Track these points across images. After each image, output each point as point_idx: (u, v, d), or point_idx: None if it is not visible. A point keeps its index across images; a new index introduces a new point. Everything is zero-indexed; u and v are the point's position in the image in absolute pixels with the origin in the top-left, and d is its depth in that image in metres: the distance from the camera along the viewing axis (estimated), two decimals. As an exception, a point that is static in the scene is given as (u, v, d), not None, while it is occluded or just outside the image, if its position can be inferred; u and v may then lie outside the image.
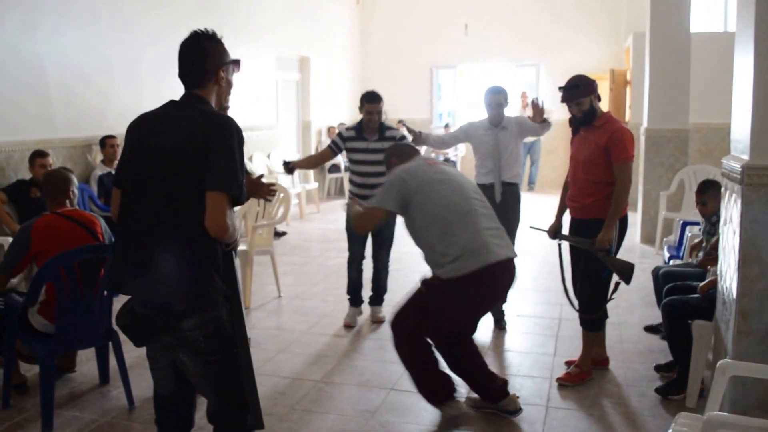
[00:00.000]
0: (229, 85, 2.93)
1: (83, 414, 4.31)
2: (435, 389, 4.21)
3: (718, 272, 4.15)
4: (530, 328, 6.00)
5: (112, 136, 7.54)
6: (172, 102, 2.82)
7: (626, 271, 4.62)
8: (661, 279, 5.14)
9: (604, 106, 13.11)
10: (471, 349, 4.34)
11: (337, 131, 12.25)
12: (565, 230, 4.98)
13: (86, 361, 5.04)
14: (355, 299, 6.17)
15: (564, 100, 4.71)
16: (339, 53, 15.24)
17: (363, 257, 6.14)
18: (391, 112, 16.70)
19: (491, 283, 3.99)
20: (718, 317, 4.17)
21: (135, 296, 2.78)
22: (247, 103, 11.31)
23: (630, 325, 5.91)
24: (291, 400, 4.54)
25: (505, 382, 4.35)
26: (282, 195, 7.14)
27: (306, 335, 5.81)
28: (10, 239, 5.58)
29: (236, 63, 2.97)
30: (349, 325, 6.05)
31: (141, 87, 8.26)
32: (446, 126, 15.24)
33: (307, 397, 4.59)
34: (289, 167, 5.93)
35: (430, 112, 16.37)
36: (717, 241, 4.41)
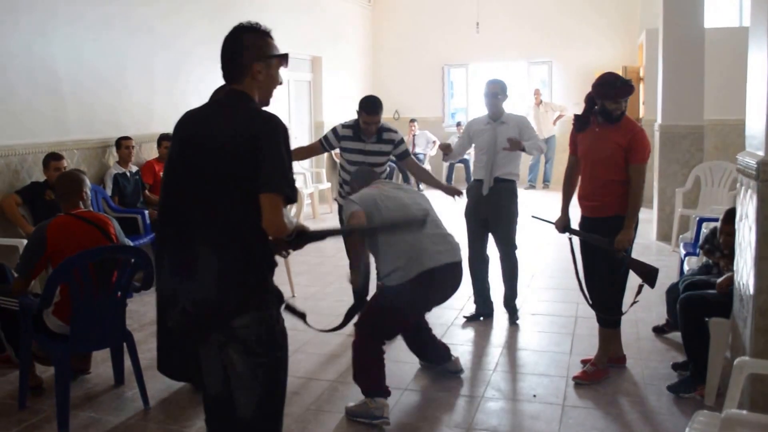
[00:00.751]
0: (271, 80, 2.77)
1: (99, 415, 4.32)
2: (375, 383, 4.28)
3: (735, 269, 4.12)
4: (546, 326, 5.97)
5: (127, 138, 7.58)
6: (216, 99, 2.77)
7: (650, 276, 4.59)
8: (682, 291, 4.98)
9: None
10: (421, 326, 4.89)
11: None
12: (575, 226, 4.93)
13: (101, 362, 5.05)
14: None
15: (614, 96, 4.55)
16: (351, 53, 15.23)
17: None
18: (403, 111, 16.69)
19: (432, 285, 4.28)
20: (735, 314, 4.13)
21: (186, 296, 2.71)
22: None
23: (647, 323, 5.86)
24: (306, 400, 4.54)
25: (447, 348, 4.92)
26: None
27: (320, 335, 5.78)
28: (25, 241, 5.63)
29: (282, 57, 2.79)
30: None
31: (153, 89, 8.28)
32: (458, 124, 15.22)
33: (321, 397, 4.59)
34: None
35: (442, 110, 16.33)
36: (731, 239, 4.34)
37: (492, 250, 6.08)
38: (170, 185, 2.75)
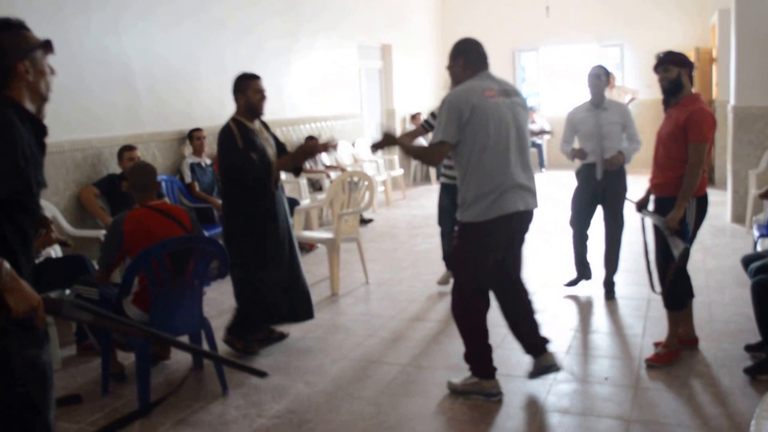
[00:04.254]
0: (41, 74, 2.44)
1: (179, 400, 4.40)
2: (483, 365, 4.26)
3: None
4: (618, 308, 5.88)
5: (198, 129, 7.74)
6: None
7: (682, 254, 4.45)
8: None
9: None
10: (515, 297, 4.44)
11: (422, 118, 12.35)
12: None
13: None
14: (449, 264, 6.53)
15: (655, 66, 4.64)
16: (420, 39, 15.17)
17: (454, 230, 6.29)
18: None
19: (499, 233, 4.11)
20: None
21: None
22: (331, 92, 11.40)
23: (720, 305, 5.73)
24: (380, 383, 4.55)
25: (545, 340, 4.43)
26: (367, 183, 7.15)
27: (394, 320, 5.80)
28: (104, 232, 5.79)
29: (45, 45, 2.47)
30: (441, 282, 6.69)
31: (225, 82, 8.36)
32: (530, 110, 15.01)
33: (395, 380, 4.59)
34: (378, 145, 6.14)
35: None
36: None
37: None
38: None
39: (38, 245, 4.41)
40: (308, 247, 8.31)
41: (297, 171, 5.49)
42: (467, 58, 4.28)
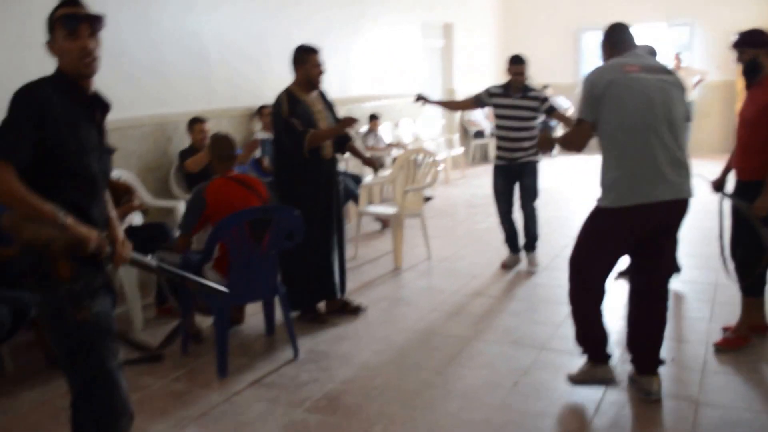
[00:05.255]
0: (62, 51, 2.57)
1: (253, 362, 4.64)
2: (594, 349, 4.17)
3: None
4: (684, 292, 5.88)
5: (266, 106, 7.93)
6: None
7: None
8: None
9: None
10: (649, 304, 4.05)
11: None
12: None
13: (252, 314, 5.41)
14: (513, 246, 6.75)
15: (737, 45, 4.54)
16: (482, 18, 15.17)
17: (511, 212, 6.67)
18: (536, 76, 16.50)
19: (633, 223, 3.79)
20: None
21: None
22: (394, 70, 11.53)
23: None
24: (445, 355, 4.71)
25: (659, 362, 4.06)
26: (431, 160, 7.28)
27: (456, 295, 5.96)
28: (174, 202, 6.06)
29: (61, 22, 2.54)
30: (505, 266, 6.73)
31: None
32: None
33: (461, 353, 4.74)
34: (421, 98, 6.76)
35: (575, 76, 16.02)
36: None
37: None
38: None
39: (122, 212, 4.65)
40: (384, 223, 8.47)
41: (341, 148, 5.47)
42: (609, 41, 4.05)
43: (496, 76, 14.87)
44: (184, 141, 7.00)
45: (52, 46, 2.58)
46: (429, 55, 13.16)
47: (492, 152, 13.51)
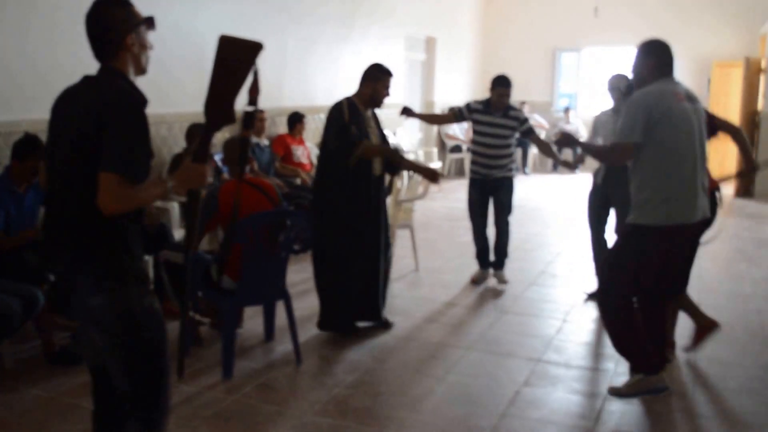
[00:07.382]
0: (143, 48, 2.70)
1: (255, 365, 4.68)
2: (640, 360, 4.19)
3: None
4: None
5: (260, 111, 7.97)
6: (88, 77, 2.66)
7: None
8: None
9: (735, 94, 12.78)
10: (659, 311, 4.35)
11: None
12: None
13: (248, 318, 5.43)
14: (483, 262, 6.79)
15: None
16: (463, 33, 15.37)
17: (485, 227, 6.72)
18: (513, 93, 16.66)
19: (673, 241, 4.05)
20: None
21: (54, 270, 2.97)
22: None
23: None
24: (445, 363, 4.81)
25: (666, 360, 4.34)
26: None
27: (449, 306, 6.06)
28: (168, 203, 6.08)
29: (148, 21, 2.71)
30: (475, 281, 6.76)
31: (285, 64, 8.65)
32: (566, 110, 15.20)
33: (459, 362, 4.84)
34: (407, 111, 6.56)
35: (551, 94, 16.30)
36: None
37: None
38: (48, 161, 2.70)
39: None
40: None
41: (392, 168, 5.44)
42: (658, 61, 4.11)
43: (474, 90, 15.08)
44: (179, 141, 7.00)
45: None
46: (411, 67, 13.29)
47: (468, 166, 13.67)
